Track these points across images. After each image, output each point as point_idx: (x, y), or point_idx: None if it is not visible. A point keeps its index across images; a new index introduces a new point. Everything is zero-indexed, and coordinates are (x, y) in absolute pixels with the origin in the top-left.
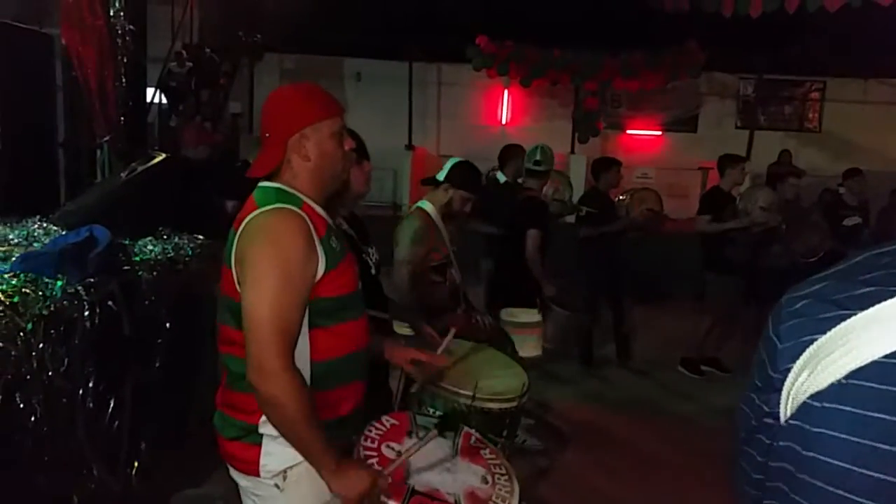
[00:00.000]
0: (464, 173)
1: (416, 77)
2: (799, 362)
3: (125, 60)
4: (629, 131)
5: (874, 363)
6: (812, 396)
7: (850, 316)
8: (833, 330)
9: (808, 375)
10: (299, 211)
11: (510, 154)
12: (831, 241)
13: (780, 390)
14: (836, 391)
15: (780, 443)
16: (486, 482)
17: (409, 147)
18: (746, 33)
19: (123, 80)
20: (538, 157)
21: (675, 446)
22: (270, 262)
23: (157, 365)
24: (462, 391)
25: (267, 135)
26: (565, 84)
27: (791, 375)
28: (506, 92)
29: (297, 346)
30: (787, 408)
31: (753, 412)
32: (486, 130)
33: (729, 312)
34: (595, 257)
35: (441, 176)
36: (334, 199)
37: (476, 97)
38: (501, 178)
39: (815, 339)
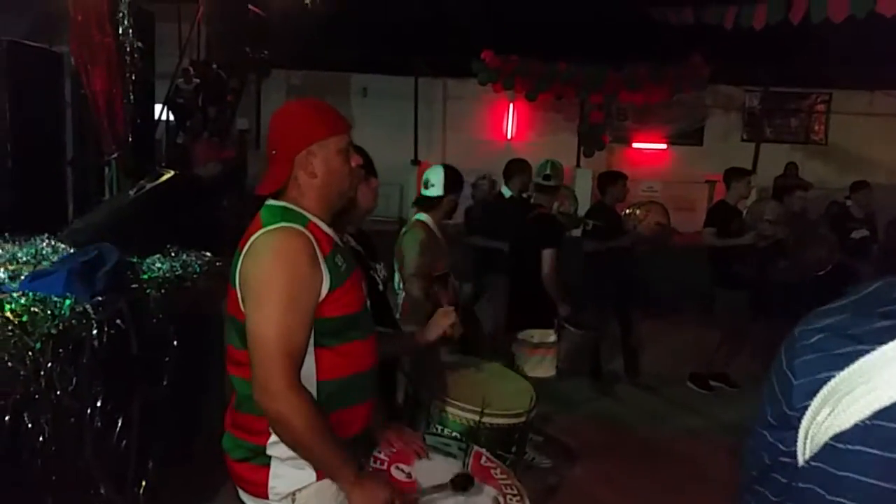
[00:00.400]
0: (454, 177)
1: (422, 92)
2: (817, 400)
3: (133, 78)
4: (635, 145)
5: None
6: (835, 437)
7: (868, 351)
8: (852, 366)
9: (828, 414)
10: (303, 230)
11: (515, 169)
12: (839, 254)
13: (796, 428)
14: (860, 432)
15: (801, 484)
16: (498, 503)
17: (415, 162)
18: (751, 46)
19: (132, 97)
20: (548, 172)
21: (683, 462)
22: (275, 282)
23: (165, 383)
24: (470, 407)
25: (273, 152)
26: (570, 98)
27: (809, 413)
28: (511, 106)
29: (303, 365)
30: (805, 448)
31: (767, 450)
32: (492, 145)
33: (737, 327)
34: (602, 272)
35: (439, 191)
36: (342, 216)
37: (481, 111)
38: (507, 192)
39: (833, 376)
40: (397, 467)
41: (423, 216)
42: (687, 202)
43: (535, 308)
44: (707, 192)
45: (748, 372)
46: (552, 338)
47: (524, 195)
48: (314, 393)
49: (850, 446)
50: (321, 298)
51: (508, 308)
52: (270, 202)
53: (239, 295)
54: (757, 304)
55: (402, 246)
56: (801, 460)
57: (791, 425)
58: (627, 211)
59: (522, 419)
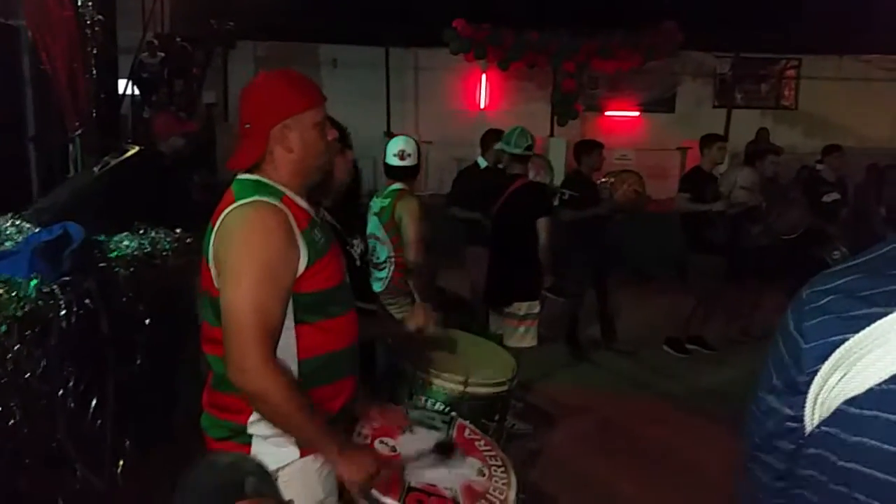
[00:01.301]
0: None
1: (393, 62)
2: (828, 363)
3: (95, 52)
4: (608, 113)
5: None
6: (847, 402)
7: (883, 314)
8: (867, 329)
9: (841, 378)
10: (278, 203)
11: (492, 138)
12: (811, 218)
13: (804, 393)
14: (876, 397)
15: (810, 450)
16: (483, 475)
17: (388, 134)
18: (721, 12)
19: (94, 72)
20: (529, 142)
21: (661, 425)
22: (249, 258)
23: (139, 362)
24: (453, 377)
25: (247, 125)
26: (543, 66)
27: (819, 377)
28: (483, 76)
29: (283, 343)
30: (815, 413)
31: (771, 416)
32: (465, 115)
33: (712, 291)
34: (578, 240)
35: (415, 160)
36: (318, 190)
37: (454, 81)
38: (483, 162)
39: (846, 339)
40: (381, 441)
41: (401, 185)
42: (660, 169)
43: (523, 280)
44: (680, 159)
45: (723, 335)
46: (537, 308)
47: (499, 165)
48: (295, 371)
49: (864, 411)
50: (299, 273)
51: (490, 280)
52: (242, 176)
53: (213, 270)
54: (731, 269)
55: (396, 215)
56: (809, 426)
57: (799, 390)
58: (603, 180)
59: (505, 388)
